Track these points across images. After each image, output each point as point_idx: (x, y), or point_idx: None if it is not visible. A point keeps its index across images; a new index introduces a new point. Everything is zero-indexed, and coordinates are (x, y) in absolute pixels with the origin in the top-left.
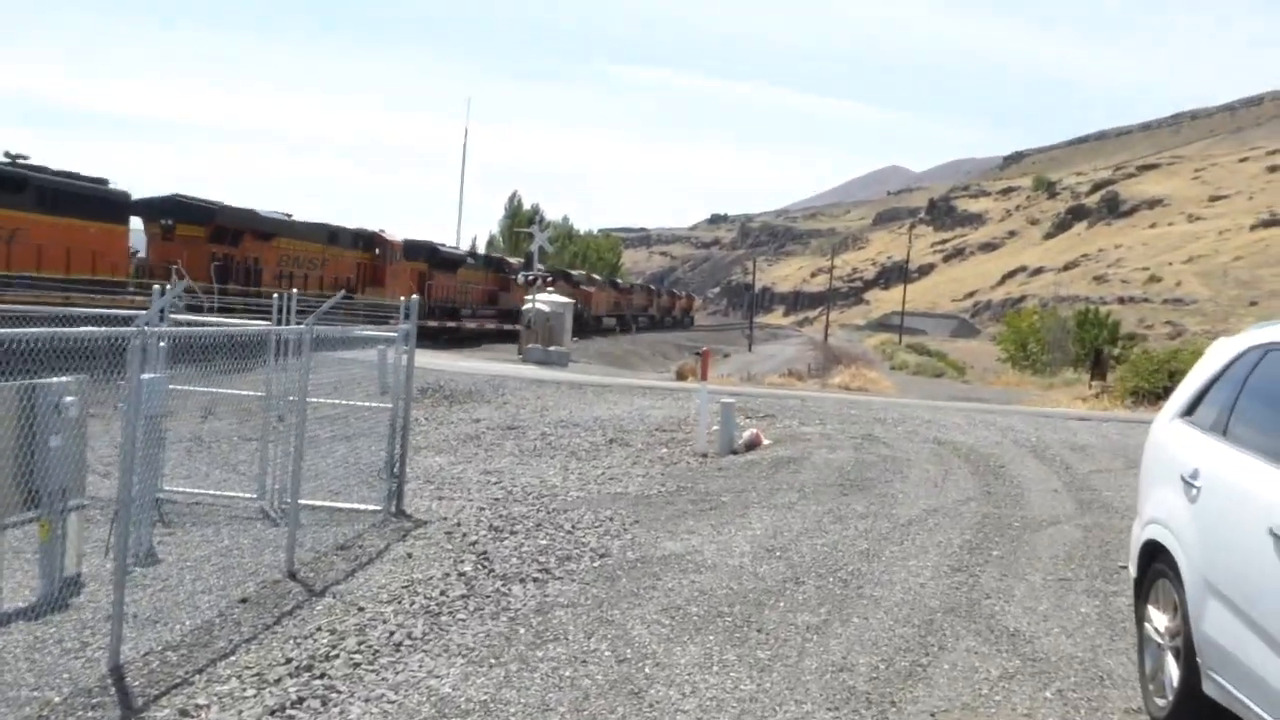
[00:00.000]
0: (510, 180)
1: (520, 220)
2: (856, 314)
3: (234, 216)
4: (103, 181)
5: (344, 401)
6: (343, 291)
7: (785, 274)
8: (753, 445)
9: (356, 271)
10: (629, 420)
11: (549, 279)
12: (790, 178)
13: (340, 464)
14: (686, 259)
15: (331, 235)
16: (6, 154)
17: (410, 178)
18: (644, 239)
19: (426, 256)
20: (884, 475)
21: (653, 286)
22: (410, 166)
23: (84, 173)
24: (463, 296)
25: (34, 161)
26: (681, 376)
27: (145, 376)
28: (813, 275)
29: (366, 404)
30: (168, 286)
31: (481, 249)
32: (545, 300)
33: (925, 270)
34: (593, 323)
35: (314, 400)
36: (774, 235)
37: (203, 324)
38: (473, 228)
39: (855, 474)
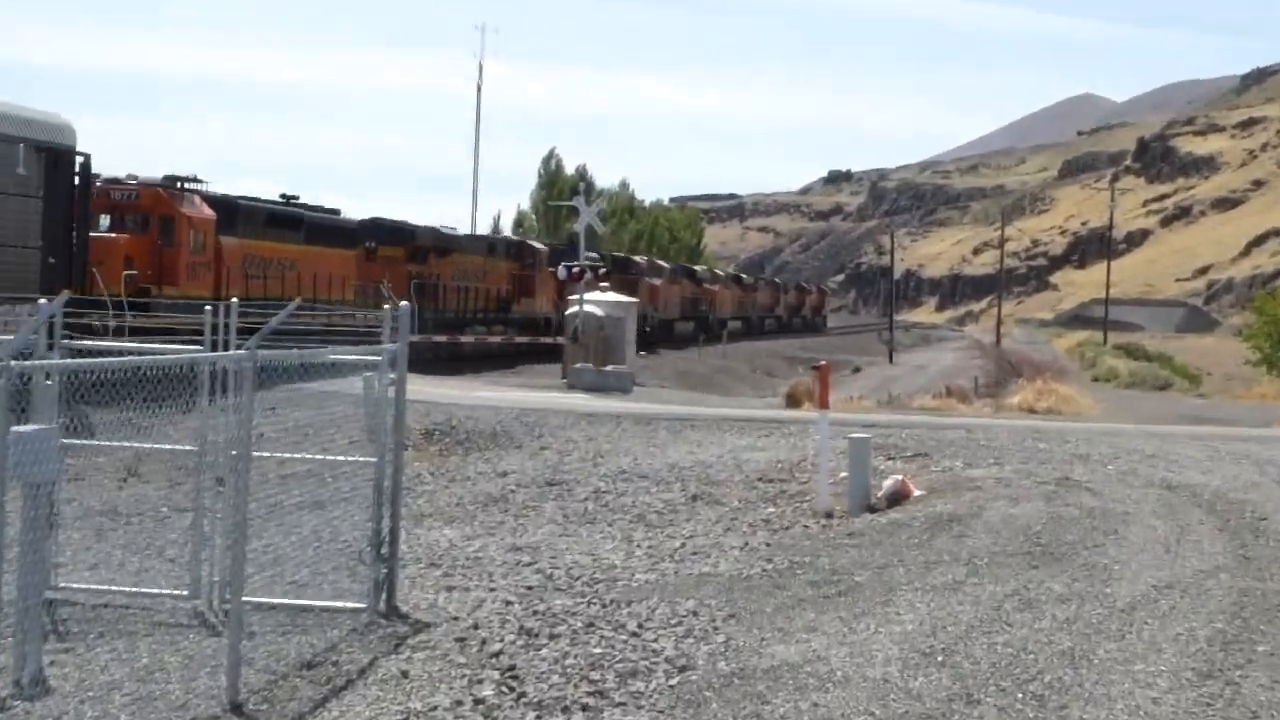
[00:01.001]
0: (546, 136)
1: (560, 189)
2: (1040, 304)
3: (426, 235)
4: (336, 212)
5: (310, 455)
6: (298, 300)
7: (936, 251)
8: (898, 498)
9: (510, 282)
10: (719, 468)
11: (601, 271)
12: (938, 118)
13: (309, 543)
14: (796, 235)
15: (490, 246)
16: (283, 196)
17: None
18: (734, 210)
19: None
20: (1090, 537)
21: (778, 280)
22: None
23: (325, 204)
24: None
25: (288, 193)
26: (793, 402)
27: (20, 429)
28: (975, 252)
29: (346, 457)
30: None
31: (506, 228)
32: (597, 301)
33: (1136, 239)
34: (717, 325)
35: (265, 455)
36: (918, 198)
37: (110, 351)
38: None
39: (1049, 536)
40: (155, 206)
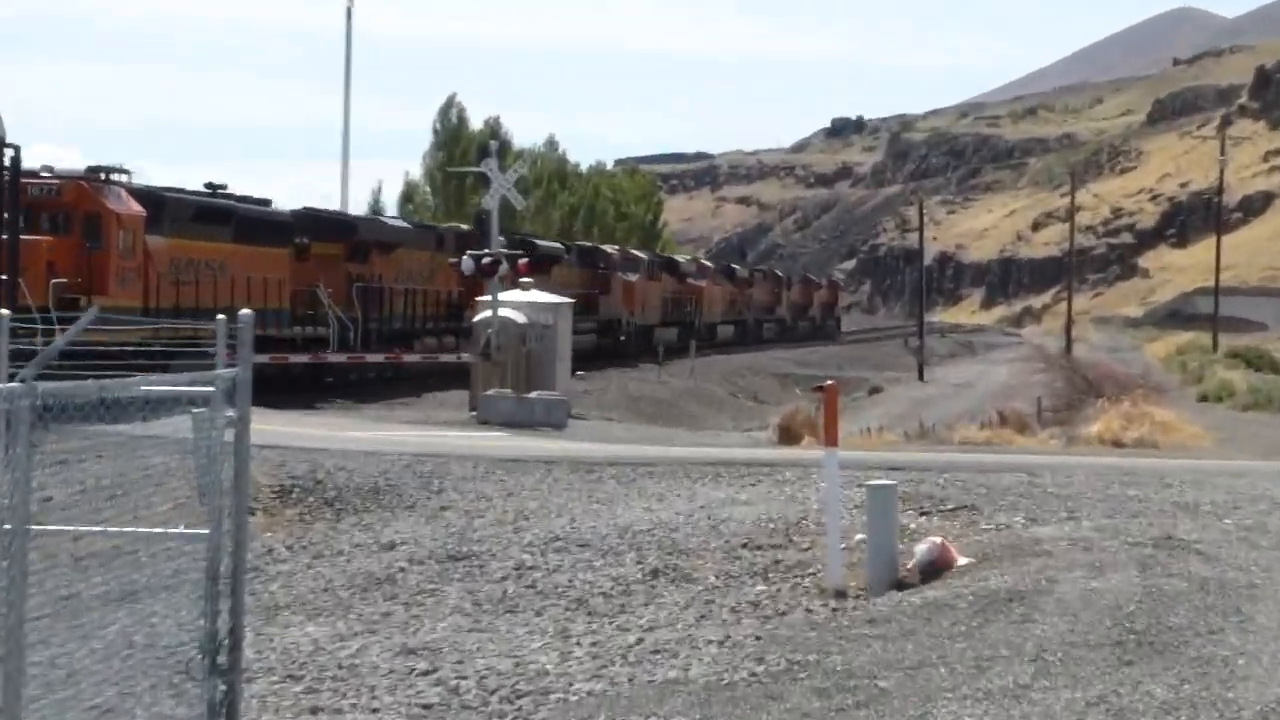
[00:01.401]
0: (444, 80)
1: (464, 150)
2: (1125, 296)
3: (369, 228)
4: (267, 203)
5: (117, 528)
6: (94, 310)
7: (982, 227)
8: (936, 569)
9: (463, 281)
10: (689, 530)
11: (522, 262)
12: (983, 45)
13: (116, 651)
14: (789, 208)
15: (439, 240)
16: (209, 185)
17: (254, 83)
18: (704, 175)
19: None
20: (1203, 619)
21: (779, 272)
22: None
23: (253, 194)
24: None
25: (214, 181)
26: (789, 437)
27: None
28: (1035, 227)
29: (168, 529)
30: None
31: (390, 206)
32: (517, 303)
33: (1255, 206)
34: (704, 332)
35: (52, 528)
36: (956, 154)
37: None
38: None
39: (1146, 620)
40: (79, 203)
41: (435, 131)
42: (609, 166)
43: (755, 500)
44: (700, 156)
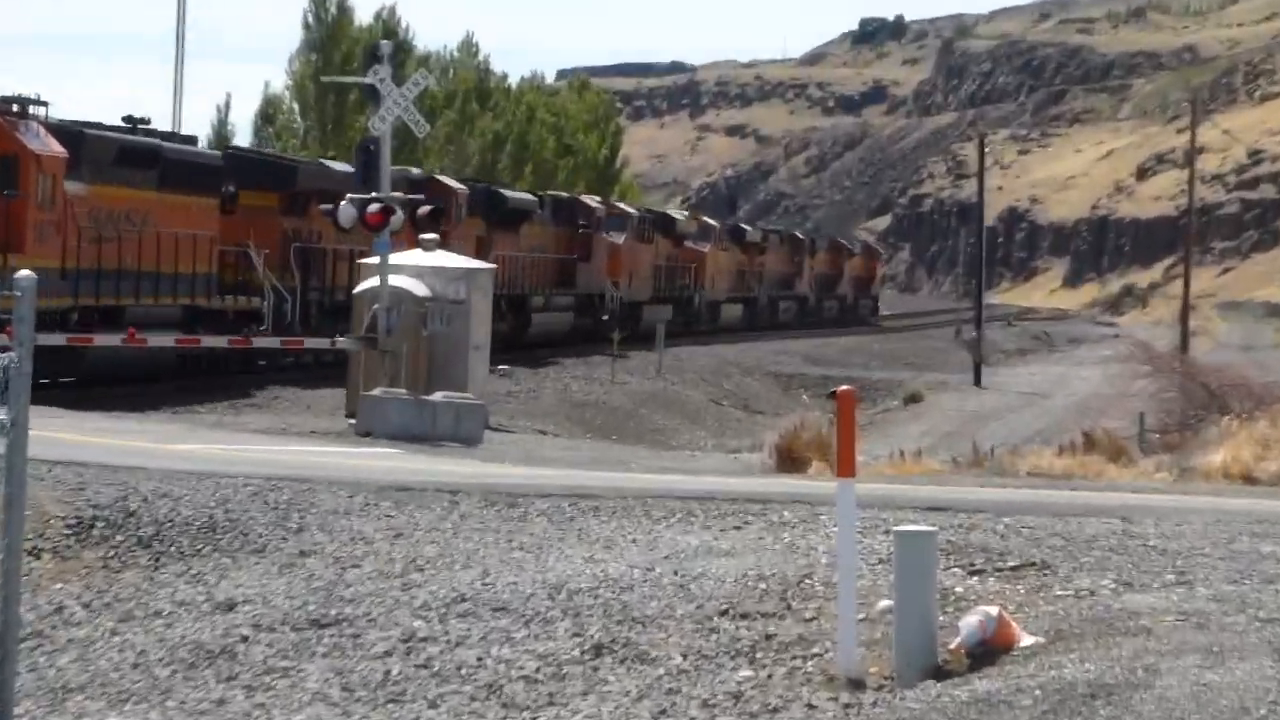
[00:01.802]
0: None
1: (346, 53)
2: (1262, 272)
3: (310, 175)
4: (192, 141)
5: None
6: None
7: (1066, 173)
8: (991, 651)
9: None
10: (647, 590)
11: (424, 211)
12: None
13: None
14: (799, 142)
15: (403, 186)
16: (128, 119)
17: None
18: (679, 95)
19: (484, 209)
20: None
21: (799, 235)
22: None
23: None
24: (532, 272)
25: (134, 114)
26: (791, 461)
27: None
28: (1141, 174)
29: None
30: None
31: (242, 132)
32: (414, 269)
33: None
34: (705, 312)
35: None
36: (1032, 72)
37: None
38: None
39: None
40: None
41: (306, 26)
42: (548, 80)
43: (740, 550)
44: (676, 68)
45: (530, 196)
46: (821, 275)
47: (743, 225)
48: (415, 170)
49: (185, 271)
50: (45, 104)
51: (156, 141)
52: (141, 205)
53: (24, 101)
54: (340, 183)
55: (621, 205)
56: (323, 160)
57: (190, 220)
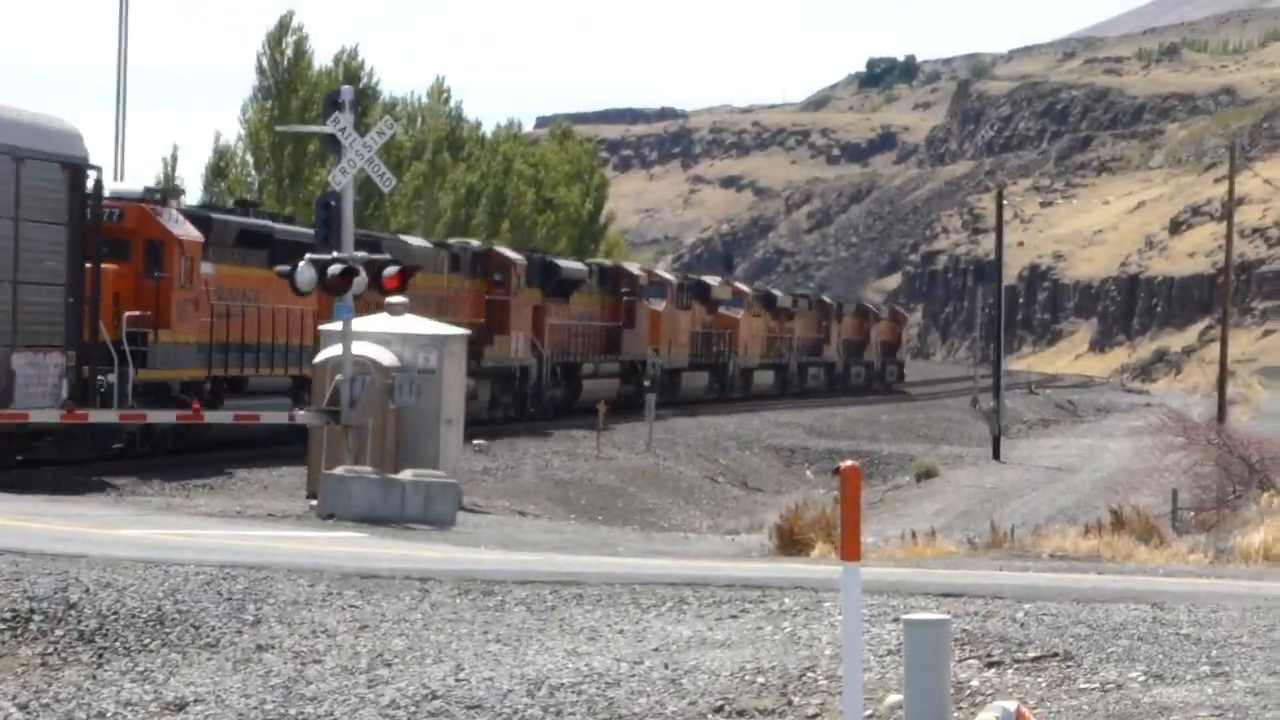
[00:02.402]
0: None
1: (307, 100)
2: None
3: (393, 249)
4: (292, 220)
5: None
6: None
7: (1092, 226)
8: None
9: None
10: (637, 684)
11: (390, 274)
12: None
13: None
14: (800, 195)
15: (453, 260)
16: (240, 202)
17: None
18: (670, 145)
19: (540, 278)
20: None
21: (827, 299)
22: None
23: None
24: (582, 339)
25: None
26: (792, 543)
27: None
28: (1174, 229)
29: None
30: None
31: (192, 189)
32: (379, 336)
33: None
34: (738, 379)
35: None
36: (1055, 115)
37: None
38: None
39: None
40: (141, 228)
41: (260, 70)
42: (526, 128)
43: (737, 641)
44: (667, 114)
45: (581, 265)
46: (848, 341)
47: (773, 291)
48: (474, 242)
49: (293, 343)
50: (182, 191)
51: (268, 223)
52: (257, 283)
53: (166, 192)
54: (418, 255)
55: (661, 272)
56: (401, 235)
57: (293, 296)
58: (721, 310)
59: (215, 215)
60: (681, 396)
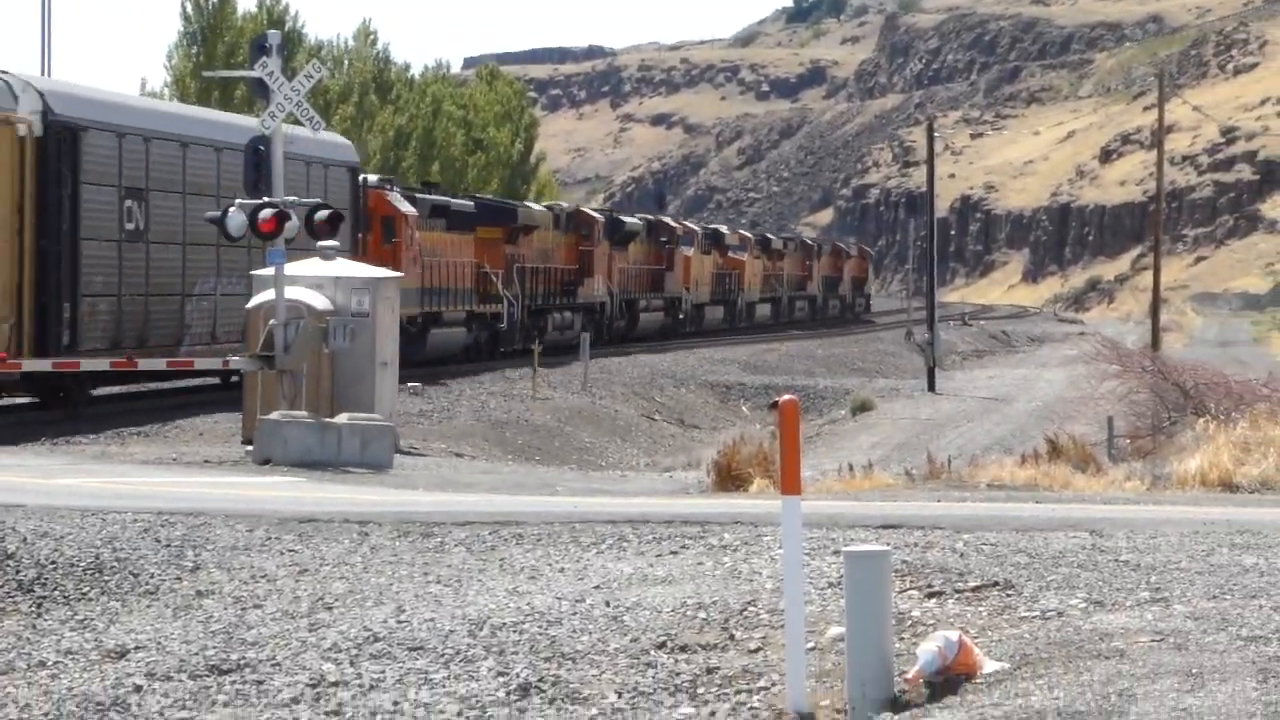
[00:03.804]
0: None
1: (233, 45)
2: (1239, 261)
3: (523, 214)
4: (451, 192)
5: None
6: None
7: (1023, 157)
8: (951, 680)
9: (580, 258)
10: (579, 622)
11: (323, 218)
12: None
13: None
14: (730, 132)
15: (555, 219)
16: (424, 182)
17: None
18: (604, 83)
19: (610, 232)
20: None
21: (809, 241)
22: None
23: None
24: (637, 280)
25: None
26: (730, 479)
27: None
28: (1105, 157)
29: None
30: None
31: None
32: (312, 277)
33: None
34: (744, 312)
35: None
36: (984, 46)
37: None
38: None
39: None
40: (378, 207)
41: (185, 17)
42: (454, 70)
43: (678, 577)
44: (594, 53)
45: (638, 221)
46: (826, 277)
47: (768, 235)
48: (566, 205)
49: (464, 287)
50: (396, 178)
51: (446, 198)
52: (440, 243)
53: (391, 179)
54: (539, 218)
55: (689, 224)
56: (528, 203)
57: (460, 251)
58: (730, 254)
59: (418, 194)
60: (705, 327)
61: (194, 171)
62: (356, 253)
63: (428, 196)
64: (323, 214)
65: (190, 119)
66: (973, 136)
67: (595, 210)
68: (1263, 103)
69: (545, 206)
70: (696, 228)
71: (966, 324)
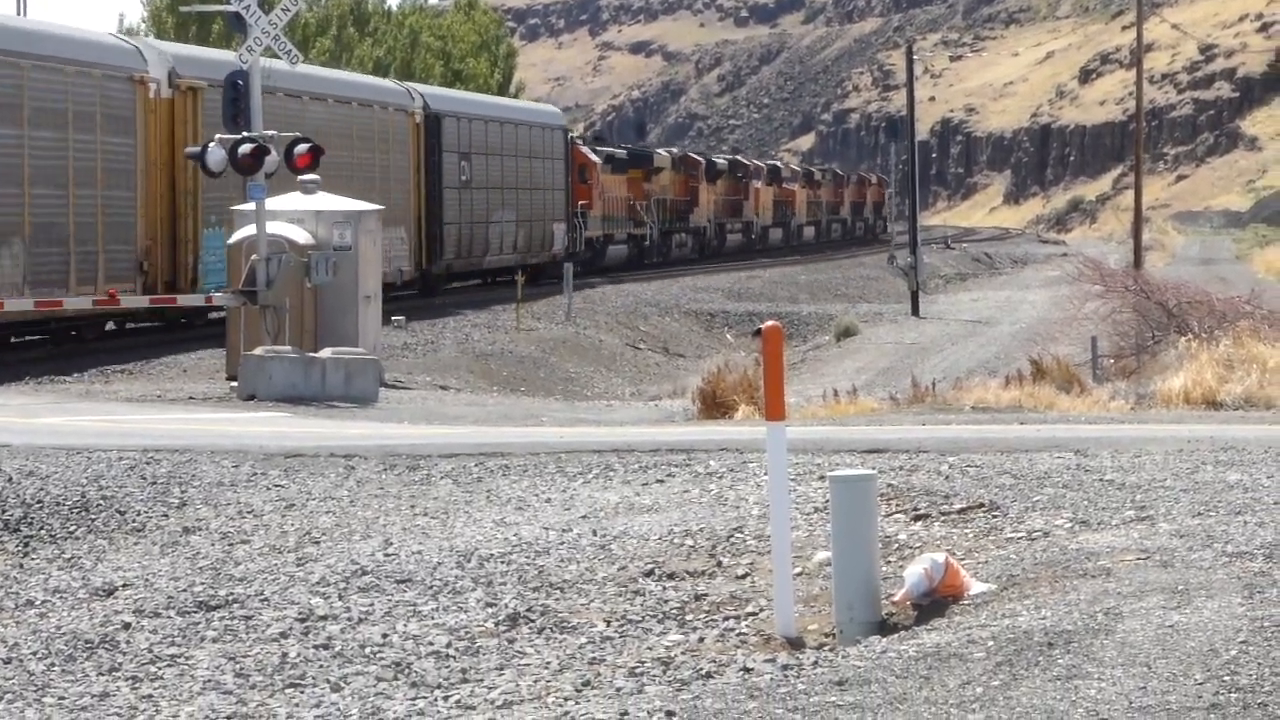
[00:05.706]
0: None
1: None
2: (1221, 180)
3: (657, 159)
4: (604, 140)
5: None
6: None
7: (1002, 79)
8: (939, 602)
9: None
10: (566, 552)
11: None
12: None
13: None
14: (709, 58)
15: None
16: (595, 135)
17: None
18: (581, 11)
19: (695, 169)
20: None
21: (838, 170)
22: None
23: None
24: (723, 208)
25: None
26: (716, 406)
27: None
28: (1085, 77)
29: None
30: None
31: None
32: (295, 214)
33: None
34: (795, 235)
35: None
36: None
37: None
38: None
39: (1255, 671)
40: (574, 157)
41: None
42: (432, 1)
43: (664, 505)
44: None
45: (724, 160)
46: (854, 203)
47: (810, 167)
48: (676, 150)
49: (622, 215)
50: (584, 134)
51: (610, 149)
52: (610, 183)
53: (582, 137)
54: (663, 160)
55: (757, 161)
56: (659, 149)
57: (621, 189)
58: (785, 185)
59: (599, 147)
60: (769, 247)
61: (501, 140)
62: (569, 191)
63: (602, 148)
64: (302, 147)
65: (503, 106)
66: (952, 59)
67: (697, 155)
68: (1241, 19)
69: (665, 151)
70: (763, 165)
71: (949, 247)
